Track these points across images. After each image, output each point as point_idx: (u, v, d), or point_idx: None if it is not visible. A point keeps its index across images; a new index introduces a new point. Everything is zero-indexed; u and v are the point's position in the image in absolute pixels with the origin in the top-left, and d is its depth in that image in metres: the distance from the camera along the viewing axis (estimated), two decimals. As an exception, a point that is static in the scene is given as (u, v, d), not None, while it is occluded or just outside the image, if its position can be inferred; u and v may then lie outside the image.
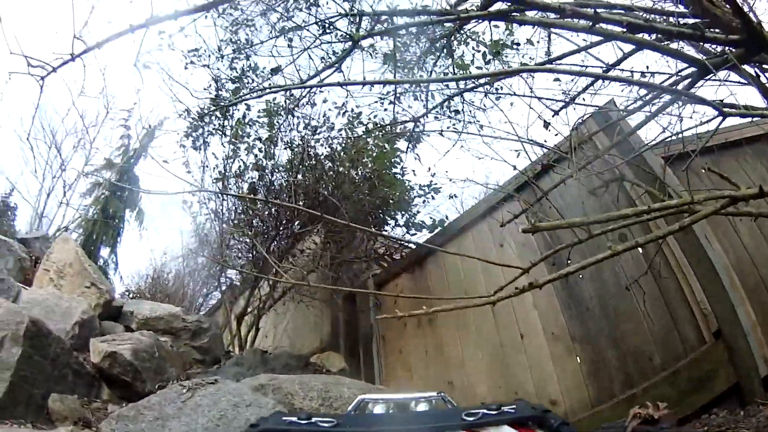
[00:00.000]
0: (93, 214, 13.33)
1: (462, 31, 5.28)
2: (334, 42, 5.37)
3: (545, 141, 4.74)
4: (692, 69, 3.42)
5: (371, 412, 2.18)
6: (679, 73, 3.89)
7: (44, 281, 6.54)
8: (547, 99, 4.46)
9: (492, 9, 3.65)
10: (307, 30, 5.32)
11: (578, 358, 4.62)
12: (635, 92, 4.42)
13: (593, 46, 4.24)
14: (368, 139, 7.16)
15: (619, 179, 4.37)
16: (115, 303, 6.81)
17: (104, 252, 13.25)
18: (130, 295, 12.25)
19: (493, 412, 1.63)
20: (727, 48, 3.14)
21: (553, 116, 4.52)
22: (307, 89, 6.06)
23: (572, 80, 4.69)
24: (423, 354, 6.08)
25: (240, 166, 7.57)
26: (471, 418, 1.60)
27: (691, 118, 3.78)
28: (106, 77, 13.00)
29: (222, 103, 6.32)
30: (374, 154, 7.35)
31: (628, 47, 4.06)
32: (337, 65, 5.06)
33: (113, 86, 14.15)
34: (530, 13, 3.82)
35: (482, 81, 5.09)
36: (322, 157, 7.39)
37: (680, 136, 3.62)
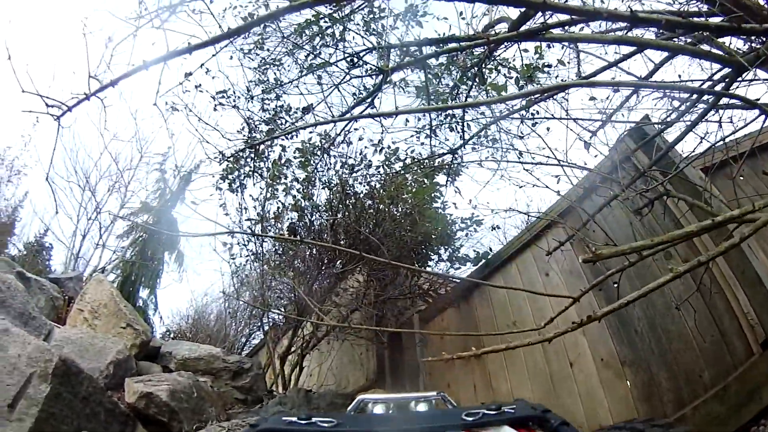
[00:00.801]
0: (131, 255, 13.58)
1: (493, 58, 5.31)
2: (364, 76, 5.43)
3: (585, 163, 4.73)
4: (726, 70, 3.36)
5: (371, 411, 2.21)
6: (712, 78, 3.82)
7: (78, 320, 6.65)
8: (583, 120, 4.46)
9: (521, 30, 3.66)
10: (336, 66, 5.43)
11: (628, 382, 4.53)
12: (669, 105, 4.37)
13: (625, 59, 4.20)
14: (407, 175, 7.19)
15: (663, 195, 4.30)
16: (153, 344, 6.90)
17: (143, 293, 13.47)
18: (171, 336, 12.45)
19: (493, 412, 1.64)
20: (761, 41, 3.07)
21: (591, 137, 4.50)
22: (342, 126, 6.12)
23: (607, 98, 4.66)
24: (471, 388, 6.02)
25: (278, 207, 7.63)
26: (471, 418, 1.62)
27: (730, 122, 3.72)
28: (138, 122, 13.47)
29: (255, 142, 6.41)
30: (413, 190, 7.38)
31: (657, 58, 4.03)
32: (368, 100, 5.13)
33: (147, 131, 14.48)
34: (556, 31, 3.83)
35: (518, 107, 5.10)
36: (361, 195, 7.42)
37: (722, 142, 3.57)
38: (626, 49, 4.08)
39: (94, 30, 3.13)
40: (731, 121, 3.67)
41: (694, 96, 3.79)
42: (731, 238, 2.36)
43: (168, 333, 12.91)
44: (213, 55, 4.47)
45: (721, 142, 3.63)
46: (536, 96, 4.72)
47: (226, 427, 3.91)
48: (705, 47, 3.56)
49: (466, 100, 5.46)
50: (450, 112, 5.85)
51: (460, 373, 6.16)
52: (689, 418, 3.80)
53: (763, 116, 2.47)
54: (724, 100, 3.44)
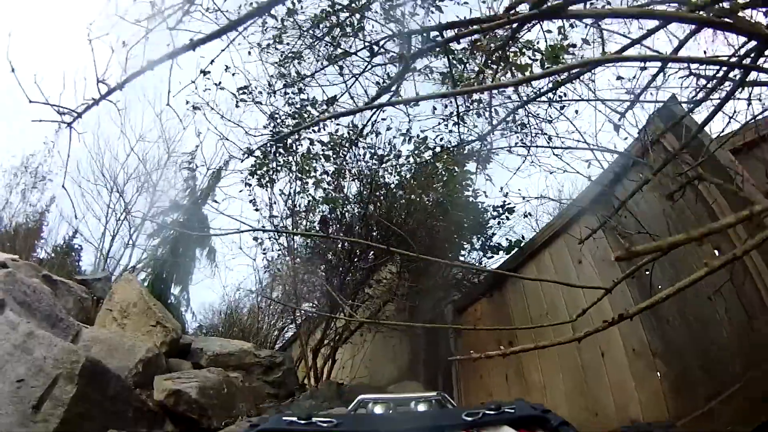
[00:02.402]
0: (162, 254, 13.87)
1: (516, 40, 5.30)
2: (385, 64, 5.52)
3: (615, 146, 4.73)
4: (752, 44, 3.34)
5: (371, 411, 2.28)
6: (737, 54, 3.79)
7: (107, 320, 6.87)
8: (611, 101, 4.45)
9: (543, 8, 3.68)
10: (357, 56, 5.50)
11: (659, 373, 4.53)
12: (696, 84, 4.34)
13: (648, 35, 4.14)
14: (437, 164, 7.22)
15: (694, 180, 4.27)
16: (183, 340, 7.10)
17: (176, 290, 13.71)
18: (204, 331, 12.71)
19: (493, 412, 1.70)
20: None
21: (620, 119, 4.49)
22: (368, 117, 6.22)
23: (634, 76, 4.63)
24: (503, 379, 6.09)
25: (309, 201, 7.78)
26: (471, 418, 1.67)
27: (759, 100, 3.70)
28: (165, 123, 13.75)
29: (280, 135, 6.51)
30: (444, 178, 7.42)
31: (680, 34, 4.00)
32: (392, 88, 5.17)
33: (173, 130, 14.78)
34: (578, 7, 3.80)
35: (545, 89, 5.12)
36: (392, 185, 7.51)
37: (753, 120, 3.56)
38: (649, 25, 4.07)
39: (105, 34, 3.24)
40: (760, 99, 3.67)
41: (721, 73, 3.78)
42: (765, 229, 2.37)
43: (201, 329, 13.19)
44: (222, 50, 4.54)
45: (752, 120, 3.63)
46: (562, 76, 4.73)
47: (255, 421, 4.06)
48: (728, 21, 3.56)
49: (492, 81, 5.48)
50: (476, 97, 5.88)
51: (492, 363, 6.21)
52: (716, 411, 3.81)
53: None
54: (752, 76, 3.43)
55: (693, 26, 3.74)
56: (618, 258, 2.06)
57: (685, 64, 4.17)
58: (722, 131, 4.10)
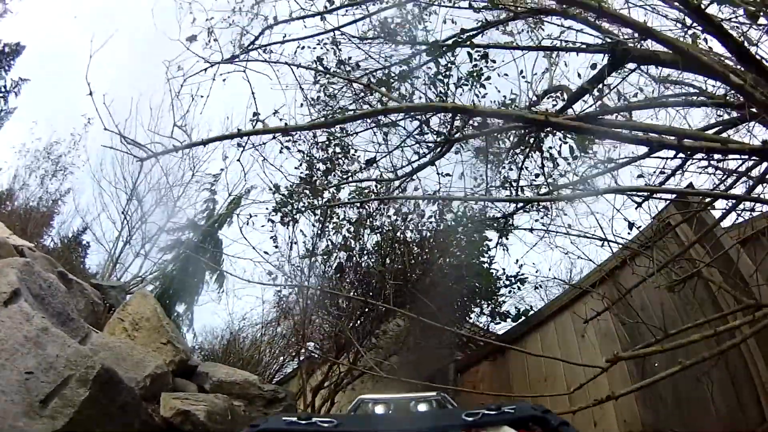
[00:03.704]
0: (172, 269, 14.02)
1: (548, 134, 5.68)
2: (429, 142, 5.82)
3: (629, 232, 5.07)
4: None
5: (372, 412, 2.31)
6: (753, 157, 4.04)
7: (117, 329, 6.96)
8: (631, 192, 4.75)
9: (580, 113, 4.04)
10: (399, 125, 5.90)
11: (648, 449, 4.74)
12: (713, 180, 4.72)
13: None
14: (458, 228, 7.55)
15: (695, 276, 4.46)
16: (190, 362, 7.23)
17: (180, 308, 13.90)
18: (202, 353, 12.74)
19: (493, 413, 1.71)
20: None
21: (636, 208, 4.85)
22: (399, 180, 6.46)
23: (653, 173, 5.04)
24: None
25: (328, 245, 7.97)
26: (471, 418, 1.69)
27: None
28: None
29: (317, 189, 6.89)
30: (463, 243, 7.74)
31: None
32: (431, 162, 5.56)
33: (200, 150, 14.92)
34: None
35: (573, 181, 5.50)
36: (411, 242, 7.77)
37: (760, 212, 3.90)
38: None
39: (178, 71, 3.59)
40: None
41: (743, 167, 4.12)
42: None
43: (199, 350, 13.21)
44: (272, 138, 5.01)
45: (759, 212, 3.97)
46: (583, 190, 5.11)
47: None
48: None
49: (522, 164, 5.89)
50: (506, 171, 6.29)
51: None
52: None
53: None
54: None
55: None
56: (608, 361, 2.29)
57: (704, 156, 4.52)
58: (727, 217, 4.47)
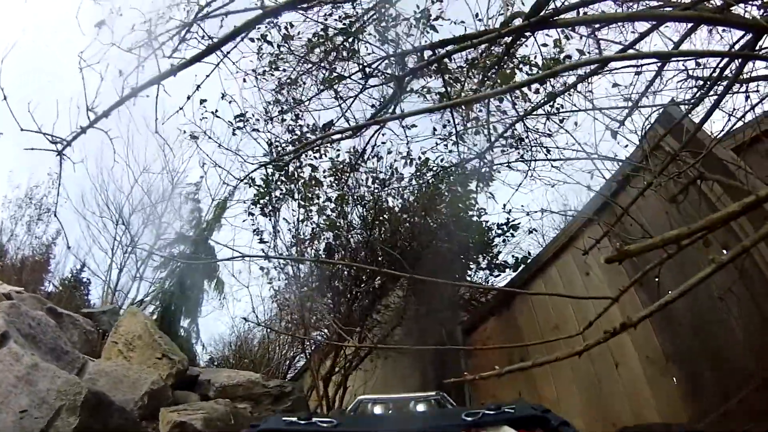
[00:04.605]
0: (170, 286, 13.88)
1: (512, 56, 5.32)
2: (379, 85, 5.54)
3: (616, 155, 4.75)
4: (746, 39, 3.37)
5: (371, 412, 2.31)
6: (733, 48, 3.79)
7: (113, 353, 6.91)
8: (609, 109, 4.48)
9: (533, 19, 3.70)
10: (352, 79, 5.52)
11: (674, 378, 4.52)
12: (694, 85, 4.35)
13: (642, 38, 4.12)
14: (439, 185, 7.29)
15: (697, 180, 4.24)
16: (191, 372, 7.15)
17: (185, 323, 13.78)
18: (215, 363, 12.68)
19: (493, 412, 1.72)
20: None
21: (619, 127, 4.53)
22: (367, 139, 6.26)
23: (631, 83, 4.65)
24: (516, 395, 6.03)
25: (313, 228, 7.82)
26: (471, 418, 1.70)
27: (757, 92, 3.75)
28: (168, 153, 13.76)
29: (277, 157, 6.55)
30: (447, 199, 7.50)
31: (675, 37, 4.03)
32: (388, 109, 5.26)
33: (177, 162, 14.70)
34: (569, 15, 3.78)
35: (542, 102, 5.15)
36: (395, 209, 7.58)
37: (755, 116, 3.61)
38: (643, 27, 4.10)
39: (97, 62, 3.29)
40: (757, 91, 3.70)
41: (716, 72, 3.81)
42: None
43: (212, 361, 13.16)
44: (207, 76, 4.48)
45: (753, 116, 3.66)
46: (558, 87, 4.77)
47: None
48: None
49: (488, 102, 5.55)
50: (474, 115, 5.93)
51: (505, 382, 6.21)
52: (733, 413, 3.79)
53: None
54: (748, 67, 3.45)
55: (688, 26, 3.80)
56: (609, 260, 2.00)
57: (682, 67, 4.21)
58: (722, 130, 4.12)
